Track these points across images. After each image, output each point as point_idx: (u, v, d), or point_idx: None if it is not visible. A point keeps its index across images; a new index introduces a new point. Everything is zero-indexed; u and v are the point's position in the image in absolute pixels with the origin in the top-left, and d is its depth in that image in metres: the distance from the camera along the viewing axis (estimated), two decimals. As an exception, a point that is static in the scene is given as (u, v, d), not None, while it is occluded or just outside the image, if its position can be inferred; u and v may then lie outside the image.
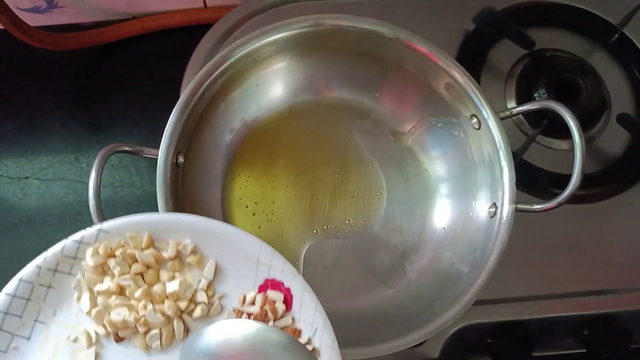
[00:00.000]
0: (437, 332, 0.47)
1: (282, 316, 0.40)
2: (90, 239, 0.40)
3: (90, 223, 0.42)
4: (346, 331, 0.42)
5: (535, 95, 0.63)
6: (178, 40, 0.67)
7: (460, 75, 0.53)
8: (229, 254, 0.41)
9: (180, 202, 0.51)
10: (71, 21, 0.67)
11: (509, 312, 0.57)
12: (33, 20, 0.62)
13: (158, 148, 0.49)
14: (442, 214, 0.57)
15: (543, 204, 0.50)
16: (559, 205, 0.49)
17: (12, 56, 0.65)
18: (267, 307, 0.39)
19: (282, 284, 0.40)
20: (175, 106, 0.50)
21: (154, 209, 0.47)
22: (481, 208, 0.53)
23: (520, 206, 0.50)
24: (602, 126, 0.65)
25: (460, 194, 0.56)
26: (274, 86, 0.59)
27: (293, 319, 0.39)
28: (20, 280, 0.39)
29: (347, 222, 0.57)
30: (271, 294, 0.40)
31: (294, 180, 0.58)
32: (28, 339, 0.39)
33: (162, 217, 0.42)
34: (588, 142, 0.64)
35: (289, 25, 0.53)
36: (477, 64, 0.66)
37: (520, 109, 0.53)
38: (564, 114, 0.49)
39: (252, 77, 0.56)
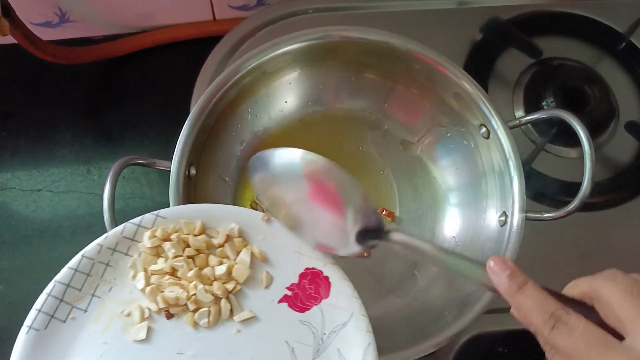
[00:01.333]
0: (449, 341, 0.47)
1: None
2: (148, 223, 0.43)
3: (102, 235, 0.43)
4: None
5: (543, 103, 0.63)
6: (188, 53, 0.68)
7: (468, 85, 0.53)
8: (272, 243, 0.44)
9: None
10: (83, 35, 0.68)
11: (520, 321, 0.57)
12: (45, 34, 0.63)
13: (169, 160, 0.49)
14: (451, 223, 0.57)
15: (553, 212, 0.50)
16: (569, 213, 0.49)
17: (25, 70, 0.66)
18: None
19: (322, 273, 0.43)
20: (187, 119, 0.50)
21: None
22: (491, 217, 0.54)
23: (530, 215, 0.50)
24: (610, 134, 0.65)
25: (470, 202, 0.57)
26: (283, 98, 0.59)
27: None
28: (82, 256, 0.42)
29: (357, 231, 0.57)
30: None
31: (304, 190, 0.58)
32: (85, 311, 0.41)
33: (215, 207, 0.45)
34: (596, 149, 0.63)
35: (298, 37, 0.54)
36: (485, 73, 0.66)
37: (529, 118, 0.53)
38: (573, 123, 0.49)
39: (262, 89, 0.57)
